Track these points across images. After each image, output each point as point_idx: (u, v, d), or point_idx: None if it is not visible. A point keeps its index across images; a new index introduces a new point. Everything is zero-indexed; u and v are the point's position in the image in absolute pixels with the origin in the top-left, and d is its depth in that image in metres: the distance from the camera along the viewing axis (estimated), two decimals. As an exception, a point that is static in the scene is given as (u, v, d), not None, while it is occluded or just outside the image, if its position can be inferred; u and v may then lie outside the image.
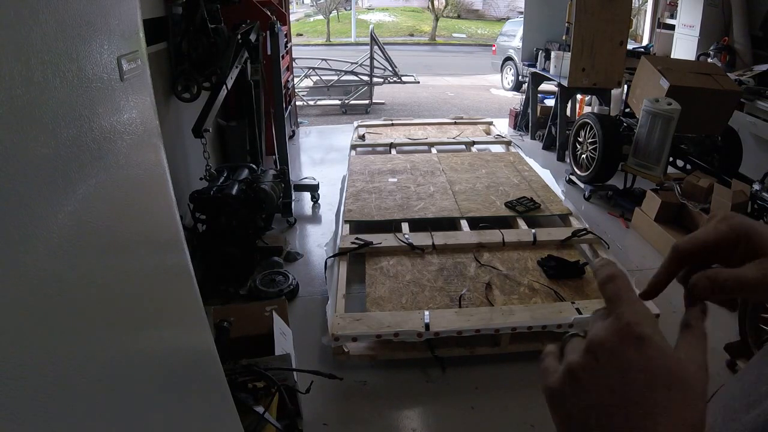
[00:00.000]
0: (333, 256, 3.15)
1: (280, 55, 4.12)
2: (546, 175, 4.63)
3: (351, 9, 20.55)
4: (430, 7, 21.18)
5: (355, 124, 6.21)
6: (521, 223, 3.60)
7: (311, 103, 7.91)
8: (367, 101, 7.95)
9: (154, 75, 0.98)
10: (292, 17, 9.48)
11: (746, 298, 0.50)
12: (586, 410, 0.33)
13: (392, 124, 6.27)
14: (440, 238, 3.29)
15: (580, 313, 2.50)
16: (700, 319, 0.39)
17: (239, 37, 3.19)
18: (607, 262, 0.39)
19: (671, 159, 4.24)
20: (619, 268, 0.39)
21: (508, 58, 9.85)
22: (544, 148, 5.84)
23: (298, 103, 7.09)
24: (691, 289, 0.49)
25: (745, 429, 0.36)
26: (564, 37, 5.31)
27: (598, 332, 0.35)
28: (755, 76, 4.88)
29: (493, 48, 10.88)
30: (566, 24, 5.16)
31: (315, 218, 4.16)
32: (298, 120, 6.75)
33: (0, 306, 0.50)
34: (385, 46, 8.16)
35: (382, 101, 8.54)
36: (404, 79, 8.26)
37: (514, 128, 6.60)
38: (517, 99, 7.61)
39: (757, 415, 0.36)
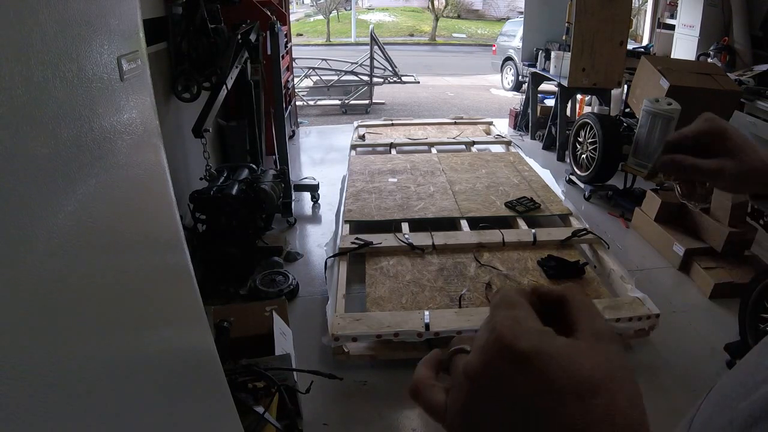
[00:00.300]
0: (333, 256, 3.15)
1: (280, 55, 4.12)
2: (546, 175, 4.63)
3: (351, 9, 20.55)
4: (430, 7, 21.18)
5: (355, 124, 6.21)
6: (521, 223, 3.60)
7: (311, 103, 7.91)
8: (367, 101, 7.95)
9: (154, 75, 0.98)
10: (292, 17, 9.48)
11: (708, 188, 0.69)
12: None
13: (392, 124, 6.27)
14: (440, 238, 3.29)
15: (580, 313, 2.50)
16: (571, 289, 0.33)
17: (239, 37, 3.19)
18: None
19: (671, 159, 4.24)
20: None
21: (508, 58, 9.85)
22: (544, 148, 5.84)
23: (298, 103, 7.08)
24: (658, 167, 0.66)
25: (740, 416, 0.36)
26: (564, 37, 5.31)
27: (471, 360, 0.29)
28: (755, 76, 4.88)
29: (493, 48, 10.88)
30: (566, 24, 5.15)
31: (315, 218, 4.16)
32: (298, 120, 6.75)
33: (0, 306, 0.50)
34: (385, 46, 8.16)
35: (382, 101, 8.54)
36: (404, 79, 8.26)
37: (514, 128, 6.60)
38: (517, 99, 7.61)
39: (752, 401, 0.35)
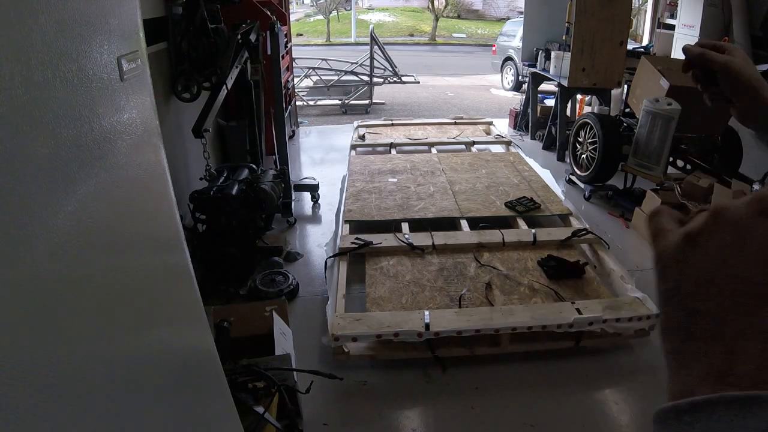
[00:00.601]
0: (333, 256, 3.15)
1: (280, 55, 4.12)
2: (546, 175, 4.63)
3: (351, 9, 20.56)
4: (430, 7, 21.18)
5: (355, 124, 6.21)
6: (521, 223, 3.60)
7: (311, 103, 7.91)
8: (367, 101, 7.95)
9: (154, 75, 0.98)
10: (292, 17, 9.48)
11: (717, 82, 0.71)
12: (696, 281, 0.29)
13: (392, 124, 6.27)
14: (440, 238, 3.29)
15: (580, 313, 2.50)
16: None
17: (239, 37, 3.19)
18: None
19: (671, 159, 4.24)
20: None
21: (508, 58, 9.85)
22: (544, 148, 5.84)
23: (298, 103, 7.08)
24: (685, 52, 0.72)
25: None
26: (564, 37, 5.31)
27: (726, 202, 0.31)
28: (755, 76, 4.87)
29: (493, 48, 10.88)
30: (566, 24, 5.15)
31: (315, 218, 4.16)
32: (298, 120, 6.75)
33: (0, 306, 0.50)
34: (385, 46, 8.16)
35: (382, 101, 8.54)
36: (404, 79, 8.26)
37: (514, 128, 6.59)
38: (517, 99, 7.61)
39: None
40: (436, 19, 20.43)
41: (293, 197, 3.99)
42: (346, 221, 3.61)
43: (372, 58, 7.94)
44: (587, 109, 6.29)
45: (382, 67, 8.10)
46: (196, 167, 3.37)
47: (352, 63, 8.22)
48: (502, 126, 6.60)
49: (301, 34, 19.50)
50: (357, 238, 3.25)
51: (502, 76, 10.20)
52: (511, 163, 4.82)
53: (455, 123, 6.34)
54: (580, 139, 4.62)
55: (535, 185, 4.26)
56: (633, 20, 8.46)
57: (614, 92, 5.41)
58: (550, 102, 6.40)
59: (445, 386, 2.38)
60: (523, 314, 2.52)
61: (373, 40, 7.88)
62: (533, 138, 6.15)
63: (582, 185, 4.58)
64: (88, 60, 0.70)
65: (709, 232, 0.30)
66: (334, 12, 20.74)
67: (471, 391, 2.34)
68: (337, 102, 7.89)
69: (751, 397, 0.23)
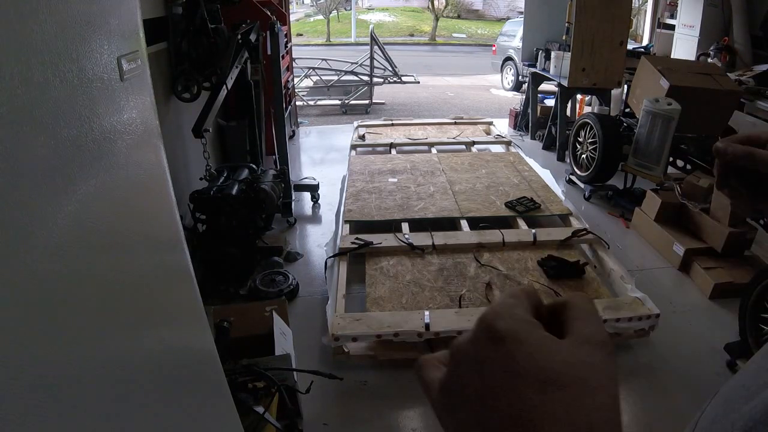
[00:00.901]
0: (333, 256, 3.15)
1: (280, 55, 4.12)
2: (546, 175, 4.63)
3: (351, 9, 20.55)
4: (430, 7, 21.17)
5: (355, 124, 6.21)
6: (521, 223, 3.60)
7: (311, 103, 7.91)
8: (367, 101, 7.95)
9: (154, 75, 0.98)
10: (292, 17, 9.48)
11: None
12: (463, 426, 0.28)
13: (392, 124, 6.27)
14: (440, 238, 3.29)
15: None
16: (577, 296, 0.32)
17: (239, 37, 3.19)
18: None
19: (671, 159, 4.24)
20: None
21: (508, 58, 9.85)
22: (544, 148, 5.84)
23: (298, 103, 7.08)
24: (720, 153, 0.49)
25: (742, 419, 0.36)
26: (564, 37, 5.31)
27: (460, 337, 0.30)
28: (755, 76, 4.88)
29: (493, 48, 10.88)
30: (566, 24, 5.15)
31: (315, 218, 4.16)
32: (298, 120, 6.75)
33: (0, 306, 0.50)
34: (385, 46, 8.16)
35: (382, 101, 8.54)
36: (404, 79, 8.26)
37: (514, 128, 6.59)
38: (517, 99, 7.61)
39: (753, 405, 0.36)
40: (436, 19, 20.43)
41: (293, 197, 3.99)
42: (346, 221, 3.61)
43: (372, 58, 7.94)
44: (587, 109, 6.29)
45: (382, 67, 8.10)
46: (196, 167, 3.37)
47: (352, 63, 8.22)
48: (502, 126, 6.60)
49: (301, 34, 19.50)
50: (357, 238, 3.25)
51: (502, 76, 10.19)
52: (511, 163, 4.82)
53: (455, 123, 6.34)
54: (580, 139, 4.62)
55: (535, 185, 4.27)
56: (633, 20, 8.47)
57: (614, 92, 5.41)
58: (550, 102, 6.40)
59: (445, 386, 2.37)
60: (523, 314, 2.51)
61: (373, 40, 7.88)
62: (533, 138, 6.15)
63: (582, 185, 4.58)
64: (88, 60, 0.70)
65: (456, 379, 0.29)
66: (334, 12, 20.74)
67: (471, 391, 2.34)
68: (337, 102, 7.89)
69: None
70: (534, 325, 0.29)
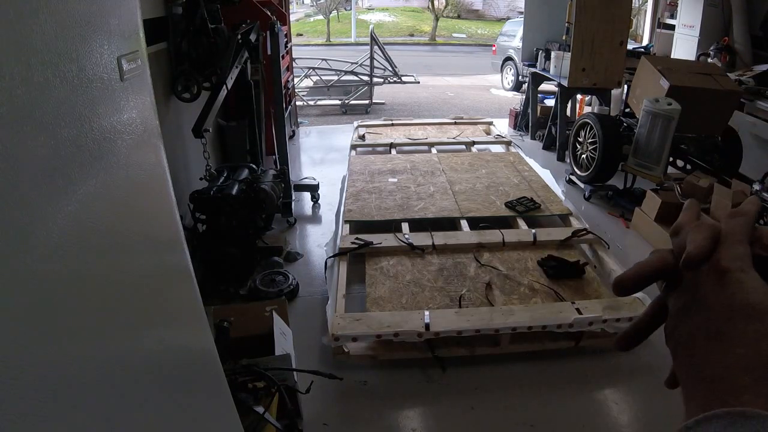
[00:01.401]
0: (333, 256, 3.15)
1: (280, 55, 4.12)
2: (546, 175, 4.63)
3: (351, 9, 20.55)
4: (430, 7, 21.17)
5: (355, 124, 6.21)
6: (521, 223, 3.60)
7: (311, 103, 7.91)
8: (367, 101, 7.95)
9: (154, 75, 0.98)
10: (292, 17, 9.48)
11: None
12: (682, 336, 0.37)
13: (392, 124, 6.27)
14: (440, 238, 3.29)
15: (580, 313, 2.50)
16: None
17: (239, 37, 3.19)
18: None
19: (671, 159, 4.24)
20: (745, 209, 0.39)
21: (508, 58, 9.85)
22: (544, 148, 5.84)
23: (298, 103, 7.08)
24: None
25: None
26: (564, 37, 5.31)
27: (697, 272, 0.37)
28: (755, 76, 4.88)
29: (493, 48, 10.88)
30: (566, 24, 5.16)
31: (315, 218, 4.16)
32: (298, 120, 6.75)
33: (0, 306, 0.50)
34: (385, 46, 8.16)
35: (382, 101, 8.54)
36: (404, 79, 8.26)
37: (514, 128, 6.59)
38: (517, 99, 7.61)
39: None
40: (436, 19, 20.43)
41: (293, 197, 3.99)
42: (346, 221, 3.61)
43: (372, 58, 7.94)
44: (587, 109, 6.29)
45: (382, 67, 8.10)
46: (196, 167, 3.37)
47: (352, 63, 8.22)
48: (502, 126, 6.60)
49: (301, 34, 19.50)
50: (357, 238, 3.25)
51: (502, 76, 10.19)
52: (511, 163, 4.82)
53: (455, 123, 6.34)
54: (580, 139, 4.62)
55: (535, 185, 4.27)
56: (633, 20, 8.47)
57: (614, 92, 5.41)
58: (550, 102, 6.40)
59: (445, 386, 2.38)
60: (523, 314, 2.52)
61: (373, 40, 7.88)
62: (533, 138, 6.15)
63: (582, 185, 4.58)
64: (88, 60, 0.70)
65: (686, 303, 0.37)
66: (334, 12, 20.74)
67: (471, 391, 2.34)
68: (337, 102, 7.89)
69: (736, 413, 0.29)
70: (749, 264, 0.35)
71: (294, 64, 6.94)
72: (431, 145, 5.49)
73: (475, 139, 5.63)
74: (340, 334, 2.37)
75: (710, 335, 0.34)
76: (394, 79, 8.19)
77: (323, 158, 5.70)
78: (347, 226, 3.55)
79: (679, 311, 0.38)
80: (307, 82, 8.28)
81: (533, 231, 3.39)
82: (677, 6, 6.24)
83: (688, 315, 0.36)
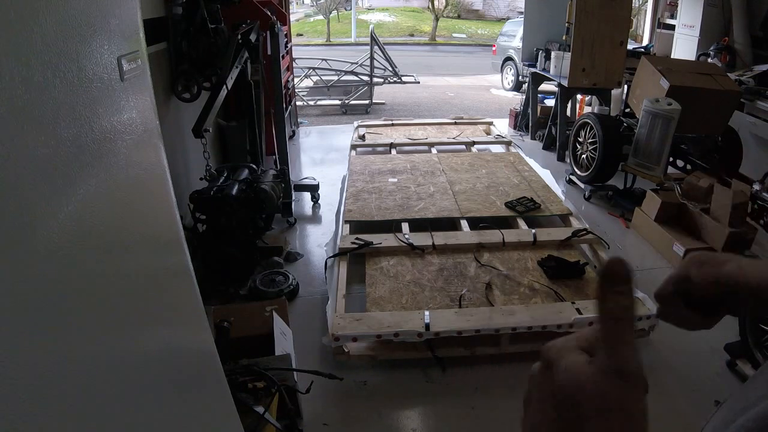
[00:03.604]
0: (333, 256, 3.15)
1: (280, 55, 4.12)
2: (546, 175, 4.63)
3: (351, 9, 20.55)
4: (430, 7, 21.17)
5: (355, 124, 6.21)
6: (521, 223, 3.60)
7: (311, 103, 7.91)
8: (367, 101, 7.95)
9: (154, 75, 0.98)
10: (292, 17, 9.48)
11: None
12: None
13: (392, 124, 6.27)
14: (440, 238, 3.29)
15: (580, 313, 2.50)
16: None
17: (239, 37, 3.19)
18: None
19: (671, 159, 4.24)
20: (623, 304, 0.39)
21: (508, 58, 9.84)
22: (544, 148, 5.84)
23: (298, 103, 7.08)
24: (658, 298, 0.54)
25: (735, 430, 0.37)
26: (564, 37, 5.31)
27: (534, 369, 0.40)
28: (755, 76, 4.88)
29: (493, 48, 10.88)
30: (566, 24, 5.15)
31: (315, 218, 4.16)
32: (298, 120, 6.75)
33: (0, 306, 0.50)
34: (385, 46, 8.16)
35: (382, 101, 8.54)
36: (404, 79, 8.26)
37: (515, 128, 6.59)
38: (517, 99, 7.61)
39: (747, 417, 0.37)
40: (436, 19, 20.42)
41: (293, 197, 3.99)
42: (346, 221, 3.61)
43: (372, 58, 7.93)
44: (587, 109, 6.29)
45: (382, 67, 8.10)
46: (196, 167, 3.37)
47: (352, 63, 8.22)
48: (502, 126, 6.60)
49: (301, 34, 19.50)
50: (357, 238, 3.25)
51: (502, 76, 10.19)
52: (511, 163, 4.82)
53: (455, 123, 6.34)
54: (580, 139, 4.62)
55: (535, 185, 4.26)
56: (633, 20, 8.46)
57: (614, 92, 5.41)
58: (550, 102, 6.40)
59: (445, 386, 2.38)
60: (523, 314, 2.52)
61: (373, 40, 7.88)
62: (533, 138, 6.15)
63: (582, 185, 4.58)
64: (89, 60, 0.70)
65: (527, 393, 0.40)
66: (334, 12, 20.73)
67: (471, 391, 2.34)
68: (337, 102, 7.89)
69: None
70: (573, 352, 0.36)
71: (294, 64, 6.93)
72: (431, 145, 5.49)
73: (475, 139, 5.63)
74: (340, 334, 2.37)
75: (536, 414, 0.37)
76: (394, 79, 8.19)
77: (323, 158, 5.70)
78: (347, 226, 3.55)
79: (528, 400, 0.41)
80: (307, 82, 8.28)
81: (533, 231, 3.39)
82: (677, 6, 6.24)
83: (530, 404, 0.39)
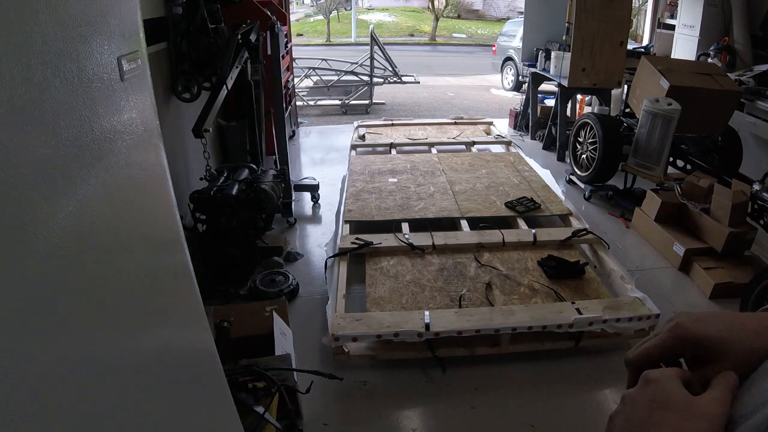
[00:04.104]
0: (333, 256, 3.15)
1: (280, 55, 4.12)
2: (546, 175, 4.63)
3: (351, 9, 20.55)
4: (430, 7, 21.17)
5: (355, 124, 6.21)
6: (521, 223, 3.60)
7: (311, 103, 7.91)
8: (367, 101, 7.95)
9: (154, 75, 0.98)
10: (292, 17, 9.48)
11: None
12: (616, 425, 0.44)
13: (392, 124, 6.27)
14: (440, 238, 3.29)
15: (580, 313, 2.50)
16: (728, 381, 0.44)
17: (239, 37, 3.19)
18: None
19: (671, 159, 4.24)
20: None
21: (508, 58, 9.85)
22: (544, 148, 5.84)
23: (298, 103, 7.08)
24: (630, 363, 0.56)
25: None
26: (564, 37, 5.31)
27: (630, 389, 0.45)
28: (755, 76, 4.88)
29: (494, 48, 10.88)
30: (566, 24, 5.15)
31: (315, 218, 4.16)
32: (298, 120, 6.75)
33: (0, 306, 0.50)
34: (385, 46, 8.16)
35: (382, 101, 8.54)
36: (404, 79, 8.26)
37: (515, 128, 6.60)
38: (517, 99, 7.61)
39: (747, 425, 0.37)
40: (436, 19, 20.43)
41: (293, 197, 3.99)
42: (346, 221, 3.61)
43: (372, 58, 7.94)
44: (587, 109, 6.29)
45: (382, 67, 8.10)
46: (196, 167, 3.37)
47: (352, 63, 8.22)
48: (502, 126, 6.60)
49: (302, 34, 19.51)
50: (357, 238, 3.25)
51: (502, 76, 10.20)
52: (511, 163, 4.82)
53: (455, 123, 6.34)
54: (580, 139, 4.62)
55: (535, 185, 4.27)
56: (633, 20, 8.47)
57: (614, 92, 5.41)
58: (550, 102, 6.40)
59: (445, 386, 2.38)
60: (523, 314, 2.52)
61: (373, 40, 7.88)
62: (533, 138, 6.15)
63: (582, 185, 4.58)
64: (88, 60, 0.70)
65: (619, 411, 0.44)
66: (334, 12, 20.74)
67: (471, 391, 2.34)
68: (337, 102, 7.89)
69: None
70: (675, 381, 0.43)
71: (294, 64, 6.93)
72: (431, 145, 5.49)
73: (475, 139, 5.63)
74: (340, 334, 2.37)
75: (636, 426, 0.41)
76: (394, 79, 8.19)
77: (323, 158, 5.70)
78: (347, 226, 3.55)
79: (615, 414, 0.45)
80: (307, 82, 8.28)
81: (533, 231, 3.39)
82: (677, 6, 6.24)
83: (619, 418, 0.44)
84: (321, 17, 20.88)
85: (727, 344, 0.44)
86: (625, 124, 4.43)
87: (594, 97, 5.87)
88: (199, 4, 3.04)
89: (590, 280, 2.94)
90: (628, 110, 4.65)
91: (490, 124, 6.32)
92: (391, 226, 3.51)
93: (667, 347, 0.47)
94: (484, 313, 2.54)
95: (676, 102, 3.76)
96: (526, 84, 6.52)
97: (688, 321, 0.46)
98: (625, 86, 5.17)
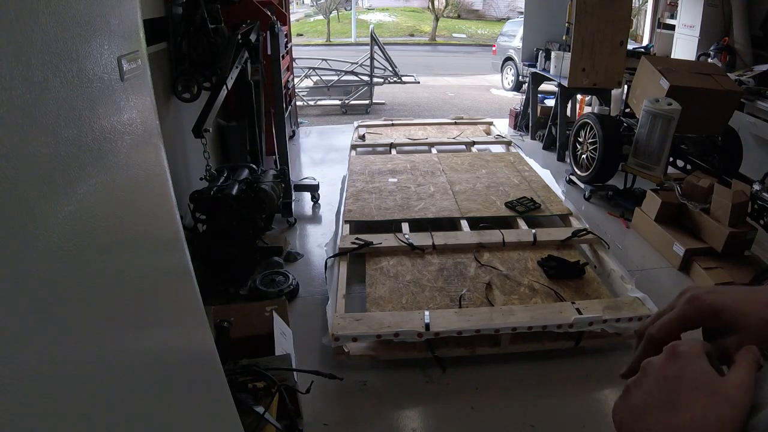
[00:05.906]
0: (333, 256, 3.15)
1: (280, 55, 4.12)
2: (546, 175, 4.63)
3: (351, 9, 20.55)
4: (430, 7, 21.17)
5: (355, 124, 6.21)
6: (521, 223, 3.60)
7: (311, 103, 7.91)
8: (367, 101, 7.95)
9: (154, 75, 0.98)
10: (292, 17, 9.48)
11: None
12: (632, 410, 0.42)
13: (392, 124, 6.27)
14: (440, 238, 3.29)
15: (580, 313, 2.50)
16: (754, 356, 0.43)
17: (239, 37, 3.19)
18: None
19: (671, 159, 4.24)
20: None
21: (509, 58, 9.85)
22: (544, 148, 5.84)
23: (298, 103, 7.08)
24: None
25: None
26: (564, 37, 5.31)
27: (653, 358, 0.43)
28: (755, 76, 4.88)
29: (494, 48, 10.88)
30: (566, 24, 5.16)
31: (315, 218, 4.16)
32: (298, 120, 6.75)
33: (0, 306, 0.50)
34: (385, 46, 8.16)
35: (382, 101, 8.54)
36: (404, 79, 8.26)
37: (515, 128, 6.60)
38: (517, 99, 7.61)
39: (751, 424, 0.37)
40: (436, 19, 20.42)
41: (293, 197, 3.99)
42: (346, 221, 3.61)
43: (372, 58, 7.93)
44: (587, 109, 6.29)
45: (382, 67, 8.10)
46: (196, 167, 3.37)
47: (352, 63, 8.22)
48: (502, 126, 6.60)
49: (302, 34, 19.50)
50: (357, 238, 3.25)
51: (502, 76, 10.19)
52: (511, 163, 4.82)
53: (455, 123, 6.34)
54: (580, 139, 4.62)
55: (535, 185, 4.26)
56: (633, 20, 8.47)
57: (614, 92, 5.41)
58: (550, 102, 6.40)
59: (445, 386, 2.38)
60: (524, 314, 2.52)
61: (373, 40, 7.88)
62: (533, 138, 6.15)
63: (582, 185, 4.58)
64: (88, 60, 0.70)
65: (638, 382, 0.43)
66: (334, 12, 20.73)
67: (471, 391, 2.34)
68: (337, 102, 7.89)
69: None
70: (702, 355, 0.42)
71: (294, 64, 6.93)
72: (431, 145, 5.49)
73: (475, 139, 5.63)
74: (340, 334, 2.37)
75: (657, 403, 0.40)
76: (394, 79, 8.19)
77: (323, 158, 5.70)
78: (347, 226, 3.55)
79: (633, 384, 0.43)
80: (307, 82, 8.28)
81: (533, 231, 3.39)
82: (677, 6, 6.24)
83: (638, 390, 0.42)
84: (321, 17, 20.88)
85: (744, 315, 0.44)
86: (625, 124, 4.43)
87: (594, 97, 5.87)
88: (199, 4, 3.04)
89: (590, 280, 2.94)
90: (628, 110, 4.65)
91: (490, 124, 6.32)
92: (391, 226, 3.51)
93: (688, 319, 0.47)
94: (484, 313, 2.54)
95: (676, 102, 3.76)
96: (526, 84, 6.52)
97: (704, 292, 0.47)
98: (625, 86, 5.17)
